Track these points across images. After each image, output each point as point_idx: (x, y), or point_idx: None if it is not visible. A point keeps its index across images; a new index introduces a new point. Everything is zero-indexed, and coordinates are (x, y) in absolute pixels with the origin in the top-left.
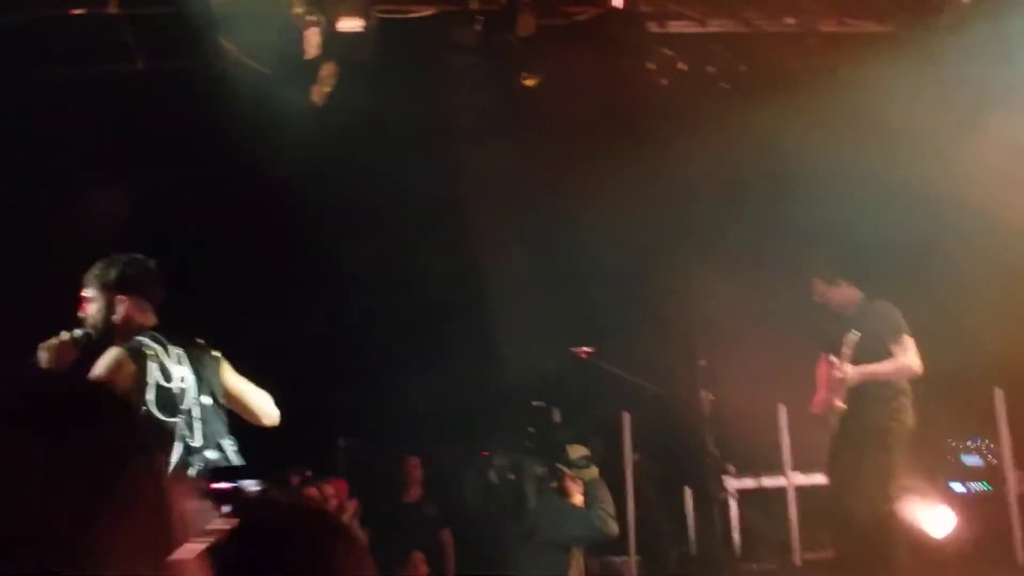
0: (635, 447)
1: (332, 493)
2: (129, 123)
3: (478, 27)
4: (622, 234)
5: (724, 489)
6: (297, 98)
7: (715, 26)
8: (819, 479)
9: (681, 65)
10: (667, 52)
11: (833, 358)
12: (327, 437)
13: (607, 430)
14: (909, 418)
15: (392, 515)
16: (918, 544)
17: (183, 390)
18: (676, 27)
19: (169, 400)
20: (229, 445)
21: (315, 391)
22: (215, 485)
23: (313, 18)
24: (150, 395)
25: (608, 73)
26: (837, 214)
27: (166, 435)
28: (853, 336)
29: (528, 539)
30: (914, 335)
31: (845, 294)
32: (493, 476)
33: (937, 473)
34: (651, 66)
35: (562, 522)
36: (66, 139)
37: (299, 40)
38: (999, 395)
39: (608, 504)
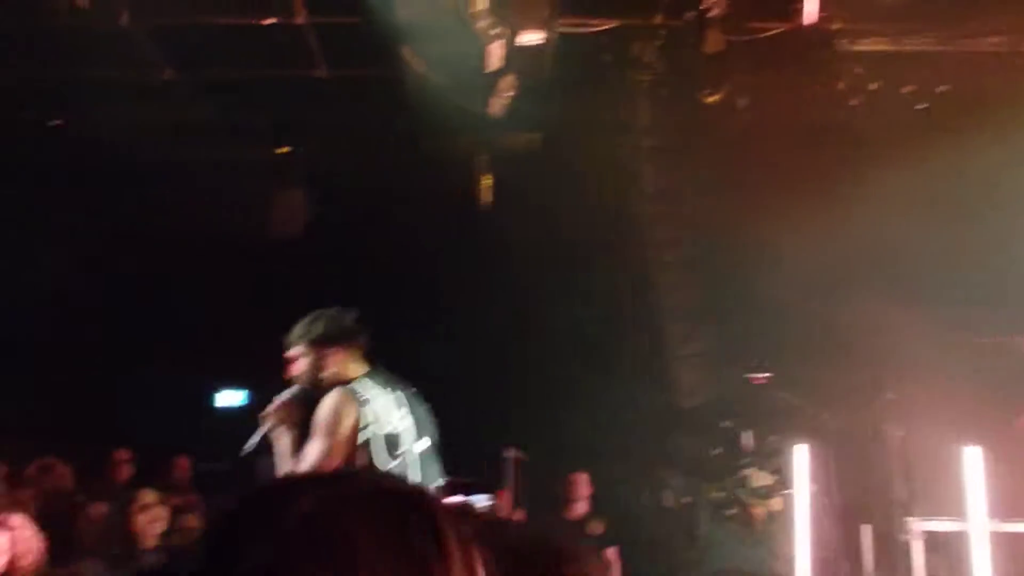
0: (812, 479)
1: (501, 505)
2: (305, 126)
3: (660, 42)
4: (806, 258)
5: (907, 530)
6: (476, 109)
7: (912, 45)
8: (1015, 527)
9: (873, 85)
10: (858, 71)
11: None
12: (495, 446)
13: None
14: None
15: (555, 530)
16: None
17: (401, 433)
18: (868, 45)
19: (389, 443)
20: (441, 488)
21: (487, 400)
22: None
23: (497, 31)
24: (370, 438)
25: (794, 92)
26: None
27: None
28: None
29: (696, 567)
30: None
31: None
32: (668, 498)
33: None
34: (840, 85)
35: (732, 554)
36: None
37: (480, 52)
38: None
39: (783, 540)
